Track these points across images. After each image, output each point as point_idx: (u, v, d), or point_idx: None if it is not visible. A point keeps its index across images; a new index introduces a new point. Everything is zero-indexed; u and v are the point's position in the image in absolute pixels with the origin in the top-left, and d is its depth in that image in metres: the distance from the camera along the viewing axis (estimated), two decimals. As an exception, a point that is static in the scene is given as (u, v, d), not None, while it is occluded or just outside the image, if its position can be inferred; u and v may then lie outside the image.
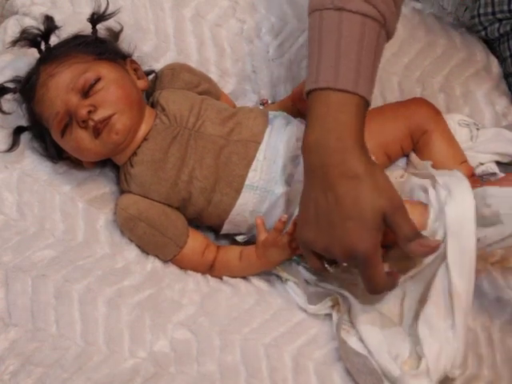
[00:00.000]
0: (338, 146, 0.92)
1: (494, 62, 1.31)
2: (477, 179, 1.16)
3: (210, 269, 1.12)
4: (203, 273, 1.12)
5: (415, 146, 1.14)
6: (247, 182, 1.09)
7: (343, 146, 0.92)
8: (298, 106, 1.17)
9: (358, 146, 0.92)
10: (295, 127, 1.12)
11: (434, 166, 1.08)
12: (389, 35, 0.99)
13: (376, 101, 1.24)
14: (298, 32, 1.26)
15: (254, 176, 1.09)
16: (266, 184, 1.09)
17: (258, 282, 1.10)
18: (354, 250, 0.91)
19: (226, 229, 1.13)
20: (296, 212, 1.03)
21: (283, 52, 1.26)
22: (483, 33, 1.32)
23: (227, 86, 1.24)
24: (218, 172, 1.09)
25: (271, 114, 1.14)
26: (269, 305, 1.06)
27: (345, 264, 0.96)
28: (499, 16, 1.29)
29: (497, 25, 1.30)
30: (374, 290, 0.95)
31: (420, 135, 1.13)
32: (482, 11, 1.30)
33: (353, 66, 0.94)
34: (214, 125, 1.11)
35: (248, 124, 1.11)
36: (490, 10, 1.29)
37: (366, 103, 0.95)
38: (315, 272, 1.09)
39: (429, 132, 1.13)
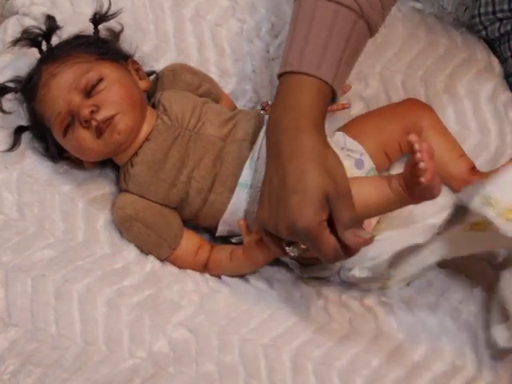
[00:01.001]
0: (292, 124, 0.94)
1: (495, 61, 1.31)
2: (476, 171, 1.16)
3: (205, 268, 1.12)
4: (199, 271, 1.12)
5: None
6: (240, 179, 1.09)
7: (296, 125, 0.93)
8: None
9: (312, 126, 0.94)
10: None
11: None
12: (370, 28, 1.00)
13: (380, 99, 1.25)
14: (297, 32, 1.26)
15: (247, 174, 1.09)
16: (258, 183, 1.08)
17: (256, 282, 1.10)
18: (294, 226, 0.90)
19: (220, 230, 1.13)
20: None
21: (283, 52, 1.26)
22: (484, 32, 1.32)
23: (227, 86, 1.24)
24: (213, 171, 1.09)
25: (267, 116, 1.14)
26: (267, 305, 1.06)
27: (302, 247, 0.96)
28: (499, 15, 1.28)
29: (497, 24, 1.29)
30: (326, 260, 0.94)
31: (417, 133, 1.13)
32: (482, 10, 1.30)
33: (318, 50, 0.96)
34: (214, 126, 1.11)
35: (243, 125, 1.12)
36: (490, 9, 1.29)
37: (329, 88, 0.96)
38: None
39: (425, 129, 1.15)
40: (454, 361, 1.02)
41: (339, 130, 1.19)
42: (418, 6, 1.33)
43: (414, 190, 0.95)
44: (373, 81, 1.25)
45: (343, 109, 1.23)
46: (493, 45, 1.32)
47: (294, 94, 0.95)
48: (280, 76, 0.99)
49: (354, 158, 1.12)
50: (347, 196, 0.93)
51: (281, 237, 0.95)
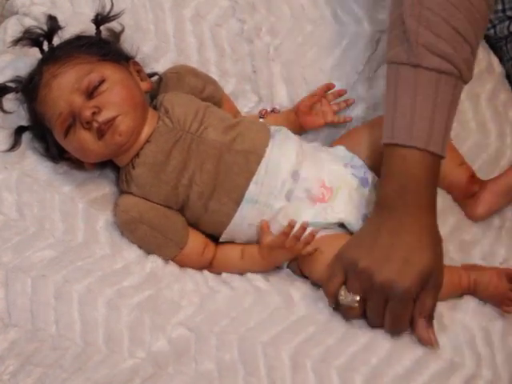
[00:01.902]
0: (408, 202, 1.01)
1: (496, 61, 1.31)
2: (476, 179, 1.16)
3: (210, 266, 1.13)
4: (202, 269, 1.13)
5: None
6: (247, 195, 1.09)
7: (413, 203, 1.01)
8: (301, 119, 1.19)
9: (432, 206, 1.02)
10: (295, 143, 1.13)
11: None
12: (466, 82, 1.04)
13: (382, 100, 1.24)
14: (297, 32, 1.26)
15: (254, 189, 1.09)
16: (265, 198, 1.09)
17: (256, 282, 1.10)
18: (399, 284, 0.98)
19: (224, 238, 1.13)
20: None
21: (283, 52, 1.26)
22: (492, 31, 1.31)
23: (227, 86, 1.24)
24: (217, 179, 1.09)
25: (272, 128, 1.15)
26: (267, 304, 1.06)
27: (356, 301, 1.01)
28: (509, 13, 1.28)
29: (507, 22, 1.29)
30: (394, 328, 1.02)
31: None
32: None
33: (427, 124, 1.00)
34: (217, 131, 1.11)
35: (250, 136, 1.11)
36: (500, 7, 1.29)
37: (440, 157, 1.02)
38: None
39: None
40: (453, 358, 1.02)
41: (338, 142, 1.19)
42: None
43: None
44: (374, 82, 1.25)
45: (344, 122, 1.23)
46: (497, 44, 1.32)
47: (410, 170, 1.01)
48: (386, 145, 1.04)
49: (359, 177, 1.14)
50: (440, 286, 1.01)
51: (353, 281, 1.02)
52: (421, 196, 1.01)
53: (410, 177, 1.01)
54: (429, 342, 1.01)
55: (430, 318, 1.01)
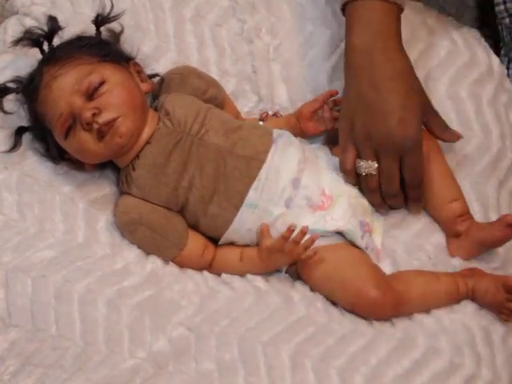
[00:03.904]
0: (386, 46, 1.05)
1: (496, 61, 1.30)
2: (465, 219, 1.14)
3: (209, 267, 1.13)
4: (201, 270, 1.13)
5: None
6: (247, 200, 1.09)
7: (390, 47, 1.05)
8: (302, 124, 1.19)
9: (402, 47, 1.07)
10: (297, 149, 1.13)
11: (424, 203, 1.15)
12: None
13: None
14: (297, 32, 1.26)
15: (254, 195, 1.09)
16: (265, 204, 1.09)
17: (256, 282, 1.10)
18: (406, 136, 1.03)
19: (222, 241, 1.13)
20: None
21: (283, 52, 1.26)
22: (507, 20, 1.30)
23: (227, 86, 1.24)
24: (217, 183, 1.09)
25: (275, 132, 1.14)
26: (267, 304, 1.06)
27: (375, 167, 1.06)
28: None
29: None
30: (417, 181, 1.08)
31: None
32: None
33: None
34: (218, 135, 1.10)
35: (252, 141, 1.11)
36: None
37: (401, 9, 1.08)
38: None
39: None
40: (452, 359, 1.02)
41: (337, 150, 1.17)
42: (419, 6, 1.33)
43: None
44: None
45: None
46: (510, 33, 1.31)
47: (381, 18, 1.05)
48: (345, 5, 1.08)
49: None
50: (437, 111, 1.10)
51: (363, 149, 1.06)
52: (396, 41, 1.06)
53: (383, 24, 1.05)
54: (459, 137, 1.14)
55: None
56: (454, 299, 1.08)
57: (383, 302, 1.05)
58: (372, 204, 1.13)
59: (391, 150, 1.05)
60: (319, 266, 1.08)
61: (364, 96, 1.06)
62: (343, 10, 1.10)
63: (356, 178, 1.11)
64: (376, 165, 1.07)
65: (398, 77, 1.05)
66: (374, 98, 1.04)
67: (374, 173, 1.08)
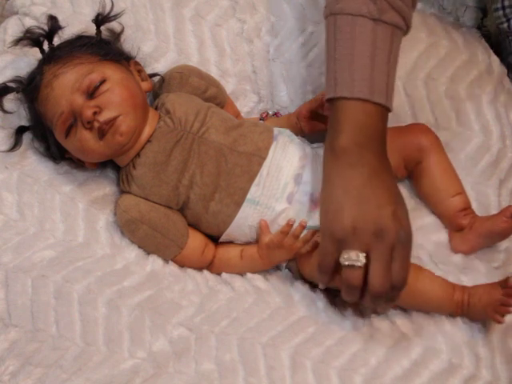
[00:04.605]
0: (374, 146, 1.00)
1: (496, 61, 1.30)
2: (468, 213, 1.14)
3: (209, 266, 1.13)
4: (201, 269, 1.13)
5: (409, 174, 1.17)
6: (249, 196, 1.09)
7: (378, 149, 1.00)
8: (302, 123, 1.19)
9: (385, 152, 1.02)
10: (298, 145, 1.13)
11: (426, 198, 1.14)
12: (408, 27, 1.05)
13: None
14: (297, 32, 1.26)
15: (256, 191, 1.09)
16: (267, 200, 1.09)
17: (256, 282, 1.10)
18: (401, 228, 0.96)
19: (224, 238, 1.13)
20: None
21: (283, 52, 1.26)
22: (506, 25, 1.30)
23: (227, 86, 1.24)
24: (218, 180, 1.09)
25: (276, 130, 1.15)
26: (267, 304, 1.07)
27: (363, 256, 0.96)
28: None
29: None
30: (402, 279, 0.97)
31: (414, 165, 1.15)
32: (506, 3, 1.28)
33: (385, 79, 1.01)
34: (218, 132, 1.11)
35: (253, 138, 1.11)
36: None
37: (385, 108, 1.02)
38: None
39: (423, 163, 1.15)
40: (451, 359, 1.02)
41: None
42: (419, 6, 1.33)
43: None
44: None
45: None
46: (508, 37, 1.31)
47: (375, 123, 1.00)
48: (338, 99, 1.01)
49: None
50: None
51: (352, 243, 0.96)
52: (384, 145, 1.01)
53: (375, 129, 1.00)
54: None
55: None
56: (448, 302, 1.06)
57: None
58: (345, 300, 1.02)
59: (385, 242, 0.96)
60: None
61: (354, 192, 0.98)
62: (328, 100, 1.03)
63: (330, 278, 1.00)
64: (364, 259, 0.96)
65: (390, 178, 1.00)
66: (367, 192, 0.98)
67: (360, 265, 0.96)
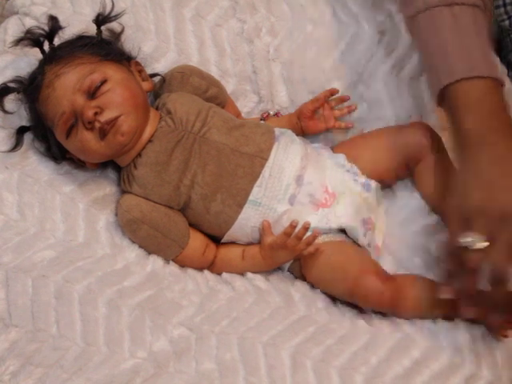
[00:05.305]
0: (499, 124, 0.99)
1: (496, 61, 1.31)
2: None
3: (210, 266, 1.14)
4: (203, 269, 1.13)
5: (411, 173, 1.17)
6: (251, 197, 1.09)
7: (504, 125, 1.00)
8: (303, 123, 1.19)
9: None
10: (299, 146, 1.13)
11: (428, 197, 1.15)
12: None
13: (383, 102, 1.24)
14: (297, 32, 1.26)
15: (258, 192, 1.09)
16: (269, 201, 1.10)
17: (256, 282, 1.10)
18: None
19: (225, 239, 1.14)
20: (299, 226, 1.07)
21: (283, 52, 1.26)
22: (507, 22, 1.31)
23: (228, 86, 1.24)
24: (220, 181, 1.09)
25: (277, 131, 1.15)
26: (267, 304, 1.07)
27: (484, 244, 0.96)
28: None
29: None
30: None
31: (415, 164, 1.15)
32: (508, 0, 1.29)
33: (483, 54, 1.02)
34: (220, 133, 1.11)
35: (255, 139, 1.12)
36: None
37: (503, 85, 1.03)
38: None
39: (424, 162, 1.15)
40: (452, 358, 1.02)
41: (338, 149, 1.19)
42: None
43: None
44: (375, 83, 1.25)
45: (346, 128, 1.23)
46: (509, 35, 1.32)
47: (495, 97, 1.01)
48: (450, 85, 1.01)
49: (361, 182, 1.14)
50: None
51: (477, 225, 0.96)
52: (509, 118, 1.01)
53: (495, 103, 1.00)
54: None
55: None
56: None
57: (382, 289, 1.05)
58: (458, 296, 1.01)
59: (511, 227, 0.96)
60: (321, 259, 1.09)
61: (483, 172, 0.99)
62: (440, 96, 1.04)
63: (452, 261, 1.01)
64: (486, 242, 0.96)
65: None
66: (496, 173, 0.98)
67: (480, 247, 0.96)
